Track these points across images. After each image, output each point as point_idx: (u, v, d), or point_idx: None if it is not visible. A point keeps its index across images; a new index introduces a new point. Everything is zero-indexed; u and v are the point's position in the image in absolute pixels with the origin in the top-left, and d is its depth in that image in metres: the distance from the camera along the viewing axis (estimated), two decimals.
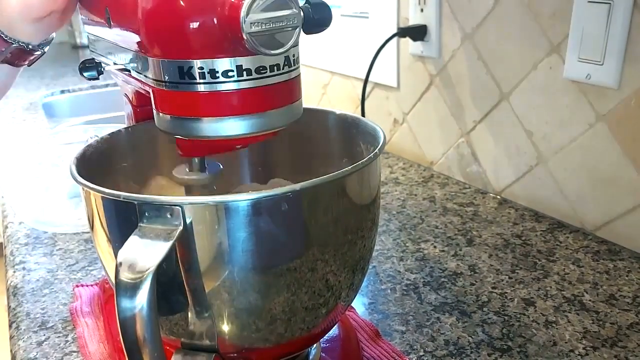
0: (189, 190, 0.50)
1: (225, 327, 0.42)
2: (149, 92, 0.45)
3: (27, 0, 0.49)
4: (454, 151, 0.98)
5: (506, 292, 0.65)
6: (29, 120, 1.38)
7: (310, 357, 0.53)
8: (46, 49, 0.56)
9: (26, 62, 0.56)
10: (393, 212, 0.86)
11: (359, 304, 0.64)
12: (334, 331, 0.57)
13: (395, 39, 1.00)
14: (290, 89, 0.44)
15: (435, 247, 0.76)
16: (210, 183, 0.49)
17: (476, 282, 0.67)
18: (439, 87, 0.97)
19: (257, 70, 0.41)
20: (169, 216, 0.37)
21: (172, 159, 0.59)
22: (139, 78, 0.46)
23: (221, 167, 0.50)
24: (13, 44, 0.52)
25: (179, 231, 0.37)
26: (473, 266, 0.71)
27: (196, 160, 0.49)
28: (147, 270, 0.35)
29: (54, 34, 0.56)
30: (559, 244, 0.75)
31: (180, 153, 0.47)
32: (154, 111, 0.45)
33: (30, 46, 0.53)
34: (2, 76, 0.57)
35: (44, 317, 0.63)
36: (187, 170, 0.50)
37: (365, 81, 1.02)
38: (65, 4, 0.51)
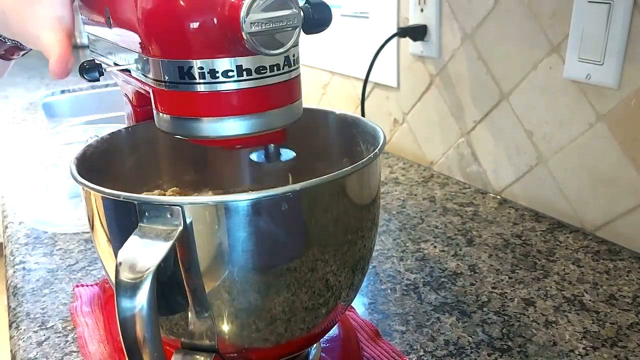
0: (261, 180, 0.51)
1: (225, 327, 0.42)
2: (149, 92, 0.45)
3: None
4: (454, 151, 0.98)
5: (506, 292, 0.65)
6: (29, 120, 1.38)
7: (310, 357, 0.53)
8: None
9: (20, 55, 0.57)
10: (393, 212, 0.86)
11: (359, 304, 0.64)
12: (334, 331, 0.57)
13: (395, 39, 1.00)
14: (290, 89, 0.44)
15: (435, 247, 0.76)
16: (283, 170, 0.50)
17: (476, 282, 0.67)
18: (439, 87, 0.97)
19: (257, 70, 0.41)
20: (169, 216, 0.37)
21: (172, 159, 0.60)
22: (139, 78, 0.46)
23: (294, 154, 0.50)
24: (7, 42, 0.53)
25: (179, 231, 0.37)
26: (473, 266, 0.71)
27: (271, 148, 0.49)
28: (147, 270, 0.35)
29: None
30: (559, 244, 0.75)
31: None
32: (154, 111, 0.45)
33: None
34: None
35: (44, 317, 0.63)
36: (263, 157, 0.50)
37: (365, 81, 1.02)
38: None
